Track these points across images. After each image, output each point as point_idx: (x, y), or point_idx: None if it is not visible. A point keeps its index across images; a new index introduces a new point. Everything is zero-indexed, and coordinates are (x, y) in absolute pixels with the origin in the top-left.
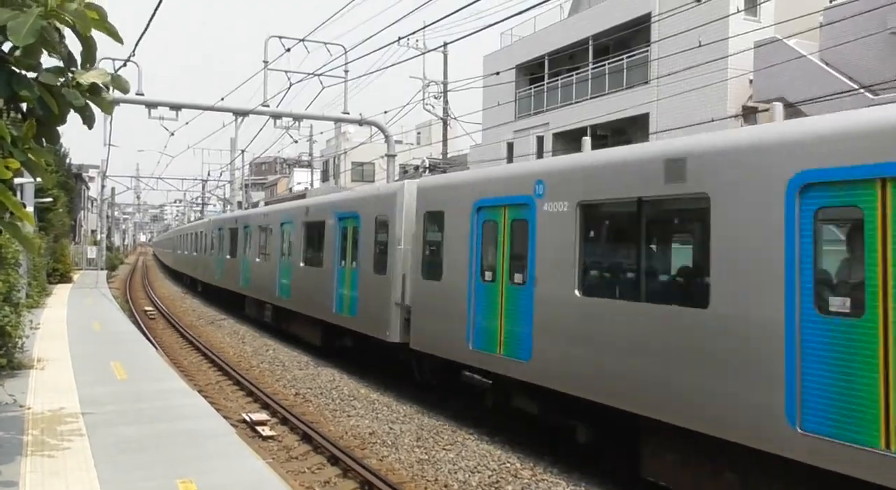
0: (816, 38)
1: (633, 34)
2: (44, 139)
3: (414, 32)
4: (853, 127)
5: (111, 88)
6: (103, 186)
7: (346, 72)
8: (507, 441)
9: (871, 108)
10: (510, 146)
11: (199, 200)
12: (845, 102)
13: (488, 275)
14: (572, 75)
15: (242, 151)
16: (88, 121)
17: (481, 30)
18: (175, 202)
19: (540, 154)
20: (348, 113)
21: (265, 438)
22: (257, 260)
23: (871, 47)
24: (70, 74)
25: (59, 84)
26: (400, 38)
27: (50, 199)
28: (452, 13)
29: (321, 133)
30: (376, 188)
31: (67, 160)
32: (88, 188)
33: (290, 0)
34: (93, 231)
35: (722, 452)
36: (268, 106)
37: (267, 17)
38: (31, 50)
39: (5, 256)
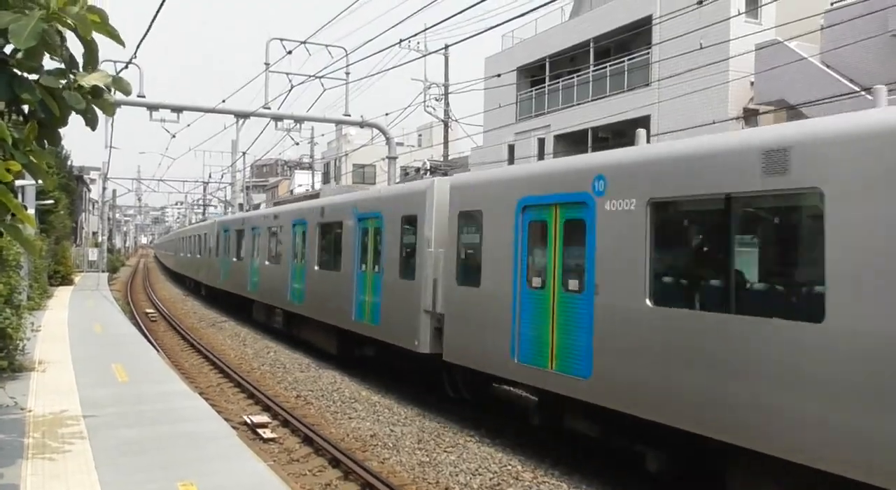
0: (817, 40)
1: (635, 36)
2: (45, 141)
3: (415, 35)
4: None
5: (113, 90)
6: (104, 188)
7: (348, 74)
8: (509, 444)
9: None
10: (511, 148)
11: (201, 202)
12: (845, 105)
13: (536, 281)
14: (573, 77)
15: (244, 153)
16: (91, 122)
17: (482, 32)
18: (176, 204)
19: (541, 156)
20: (349, 115)
21: (266, 441)
22: (267, 263)
23: (871, 50)
24: (72, 77)
25: (60, 87)
26: (401, 41)
27: (51, 202)
28: (454, 15)
29: (322, 135)
30: (401, 186)
31: (69, 162)
32: (90, 190)
33: (291, 1)
34: (94, 233)
35: None
36: (269, 108)
37: (267, 18)
38: (33, 53)
39: (7, 258)
